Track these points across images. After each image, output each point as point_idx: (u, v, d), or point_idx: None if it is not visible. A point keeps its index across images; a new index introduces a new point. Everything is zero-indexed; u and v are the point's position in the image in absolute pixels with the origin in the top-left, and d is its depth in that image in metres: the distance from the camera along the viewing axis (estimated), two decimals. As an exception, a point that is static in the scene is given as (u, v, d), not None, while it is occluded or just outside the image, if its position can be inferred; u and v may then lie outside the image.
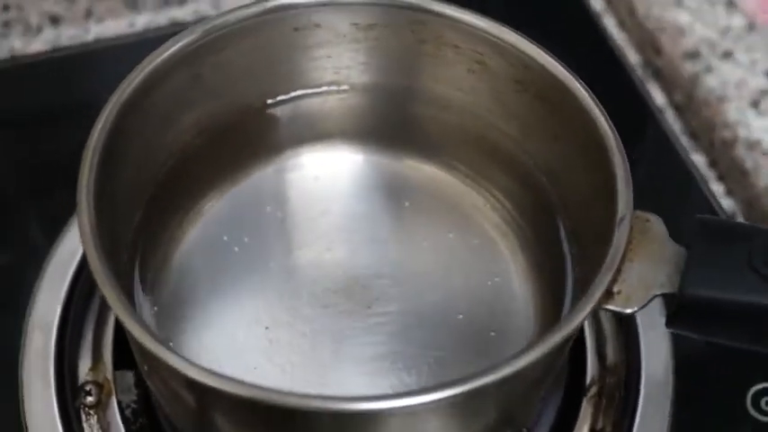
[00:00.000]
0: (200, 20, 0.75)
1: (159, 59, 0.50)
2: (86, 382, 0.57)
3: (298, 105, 0.58)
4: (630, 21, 0.82)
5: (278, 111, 0.58)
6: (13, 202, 0.67)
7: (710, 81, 0.75)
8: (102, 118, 0.46)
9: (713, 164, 0.74)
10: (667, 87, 0.79)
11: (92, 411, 0.56)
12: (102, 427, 0.56)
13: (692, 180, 0.70)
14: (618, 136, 0.48)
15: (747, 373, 0.58)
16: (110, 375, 0.57)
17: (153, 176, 0.53)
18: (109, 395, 0.57)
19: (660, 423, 0.56)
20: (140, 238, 0.53)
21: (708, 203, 0.68)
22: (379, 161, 0.59)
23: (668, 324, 0.44)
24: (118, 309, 0.41)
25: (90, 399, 0.56)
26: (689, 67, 0.76)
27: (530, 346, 0.41)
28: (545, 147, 0.55)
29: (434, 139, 0.59)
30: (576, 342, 0.58)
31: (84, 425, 0.56)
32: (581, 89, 0.50)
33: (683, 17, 0.78)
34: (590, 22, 0.80)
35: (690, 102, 0.76)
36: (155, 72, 0.50)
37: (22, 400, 0.55)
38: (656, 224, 0.46)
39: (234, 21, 0.52)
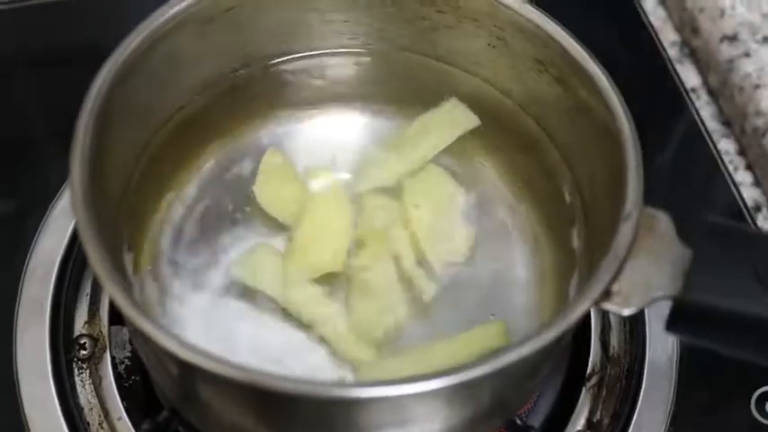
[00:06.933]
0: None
1: (163, 18, 0.48)
2: (81, 335, 0.57)
3: (309, 66, 0.57)
4: (670, -1, 0.79)
5: (286, 71, 0.56)
6: (12, 150, 0.66)
7: (747, 66, 0.72)
8: (99, 81, 0.45)
9: (742, 152, 0.72)
10: (703, 70, 0.76)
11: (84, 365, 0.56)
12: (93, 382, 0.55)
13: (718, 168, 0.68)
14: (633, 126, 0.46)
15: (754, 375, 0.57)
16: (105, 330, 0.57)
17: (152, 136, 0.52)
18: (103, 350, 0.56)
19: (659, 419, 0.55)
20: (139, 196, 0.52)
21: (730, 194, 0.66)
22: (388, 127, 0.57)
23: (668, 327, 0.42)
24: (102, 274, 0.40)
25: (84, 352, 0.56)
26: (726, 51, 0.74)
27: (521, 341, 0.40)
28: (563, 129, 0.53)
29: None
30: (580, 328, 0.56)
31: (76, 378, 0.55)
32: (599, 73, 0.48)
33: (724, -2, 0.76)
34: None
35: (724, 86, 0.74)
36: (157, 31, 0.48)
37: (15, 350, 0.55)
38: (664, 222, 0.44)
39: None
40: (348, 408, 0.41)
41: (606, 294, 0.42)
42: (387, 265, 0.51)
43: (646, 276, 0.43)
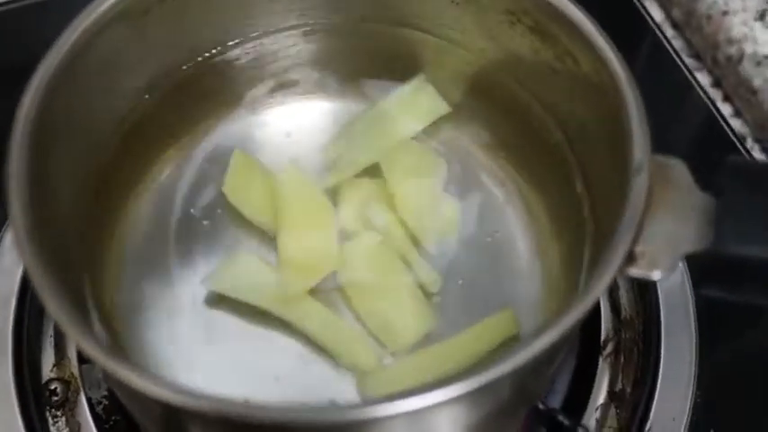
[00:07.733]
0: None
1: (92, 18, 0.43)
2: (51, 380, 0.52)
3: (259, 52, 0.52)
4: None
5: (235, 60, 0.52)
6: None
7: (712, -7, 0.69)
8: (30, 94, 0.40)
9: (717, 83, 0.68)
10: (665, 3, 0.72)
11: (59, 412, 0.51)
12: (71, 429, 0.50)
13: (699, 102, 0.64)
14: (629, 71, 0.42)
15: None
16: (76, 371, 0.52)
17: (101, 149, 0.47)
18: (77, 392, 0.51)
19: (685, 381, 0.51)
20: (94, 220, 0.47)
21: (719, 126, 0.63)
22: (355, 110, 0.53)
23: (699, 286, 0.38)
24: (63, 322, 0.35)
25: (55, 398, 0.51)
26: (687, -21, 0.70)
27: (545, 325, 0.36)
28: (544, 83, 0.48)
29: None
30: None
31: (52, 428, 0.50)
32: (583, 17, 0.44)
33: None
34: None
35: (690, 17, 0.70)
36: (87, 32, 0.43)
37: (-22, 407, 0.50)
38: (679, 170, 0.40)
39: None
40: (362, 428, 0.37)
41: (630, 259, 0.38)
42: (387, 261, 0.46)
43: (669, 232, 0.38)
